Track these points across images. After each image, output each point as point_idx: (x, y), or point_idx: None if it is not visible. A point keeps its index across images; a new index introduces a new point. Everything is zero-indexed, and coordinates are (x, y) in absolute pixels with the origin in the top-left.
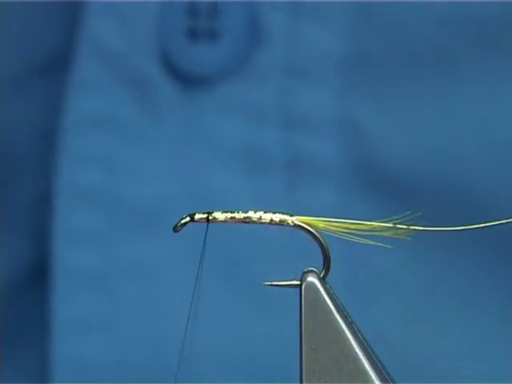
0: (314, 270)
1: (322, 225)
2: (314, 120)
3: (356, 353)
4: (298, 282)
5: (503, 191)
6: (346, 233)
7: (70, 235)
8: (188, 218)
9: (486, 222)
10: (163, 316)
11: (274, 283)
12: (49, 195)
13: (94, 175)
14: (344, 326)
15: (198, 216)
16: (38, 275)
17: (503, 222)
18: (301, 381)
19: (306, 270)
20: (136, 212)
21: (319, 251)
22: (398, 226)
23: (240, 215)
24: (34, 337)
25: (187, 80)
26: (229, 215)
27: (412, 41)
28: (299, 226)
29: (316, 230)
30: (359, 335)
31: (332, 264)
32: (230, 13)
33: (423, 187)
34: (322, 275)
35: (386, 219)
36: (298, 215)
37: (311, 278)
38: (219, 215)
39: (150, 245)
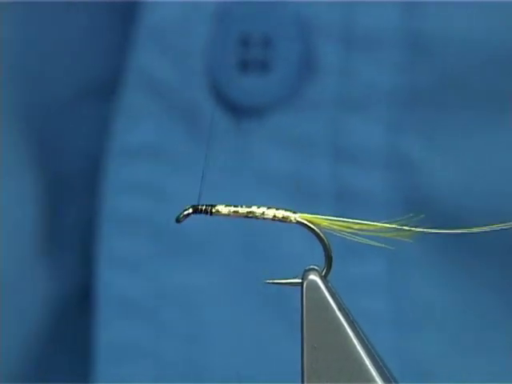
0: (316, 268)
1: (325, 223)
2: (364, 153)
3: (358, 351)
4: (300, 281)
5: None
6: (349, 233)
7: (114, 261)
8: (191, 210)
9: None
10: (207, 343)
11: (275, 281)
12: (95, 221)
13: (141, 203)
14: (346, 325)
15: (201, 208)
16: (83, 300)
17: (507, 225)
18: (302, 380)
19: (307, 268)
20: (181, 240)
21: None
22: (401, 227)
23: (243, 209)
24: (77, 360)
25: (237, 110)
26: (232, 209)
27: (465, 76)
28: (302, 223)
29: (319, 228)
30: (361, 334)
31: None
32: (282, 44)
33: (472, 221)
34: (323, 273)
35: (390, 220)
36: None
37: (313, 276)
38: (222, 208)
39: (195, 272)
